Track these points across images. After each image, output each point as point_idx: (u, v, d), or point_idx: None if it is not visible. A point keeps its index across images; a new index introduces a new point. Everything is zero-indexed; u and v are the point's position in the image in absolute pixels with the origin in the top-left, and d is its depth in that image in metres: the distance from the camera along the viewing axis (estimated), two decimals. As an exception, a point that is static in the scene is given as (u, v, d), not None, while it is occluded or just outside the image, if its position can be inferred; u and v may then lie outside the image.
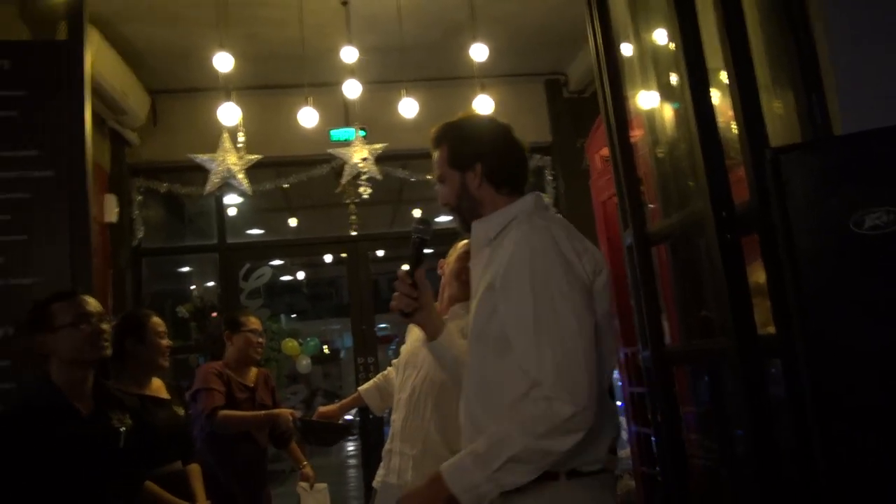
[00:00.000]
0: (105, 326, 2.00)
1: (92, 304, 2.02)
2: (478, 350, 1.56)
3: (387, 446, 2.36)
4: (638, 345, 2.33)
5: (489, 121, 1.77)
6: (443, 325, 1.72)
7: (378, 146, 4.13)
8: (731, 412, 2.15)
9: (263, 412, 2.93)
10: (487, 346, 1.52)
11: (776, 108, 2.23)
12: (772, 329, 1.71)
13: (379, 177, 4.15)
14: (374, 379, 2.73)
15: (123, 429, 2.02)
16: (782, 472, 1.63)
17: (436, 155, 1.70)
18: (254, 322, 3.15)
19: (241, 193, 4.53)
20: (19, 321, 2.05)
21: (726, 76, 1.82)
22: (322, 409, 2.71)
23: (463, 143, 1.66)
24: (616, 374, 3.79)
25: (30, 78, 2.56)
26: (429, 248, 1.67)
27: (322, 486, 3.23)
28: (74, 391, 1.96)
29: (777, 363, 1.70)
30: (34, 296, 2.38)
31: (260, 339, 3.13)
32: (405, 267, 1.69)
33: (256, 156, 3.80)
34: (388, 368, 2.67)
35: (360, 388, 2.71)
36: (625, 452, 4.35)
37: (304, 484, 3.12)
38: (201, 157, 3.79)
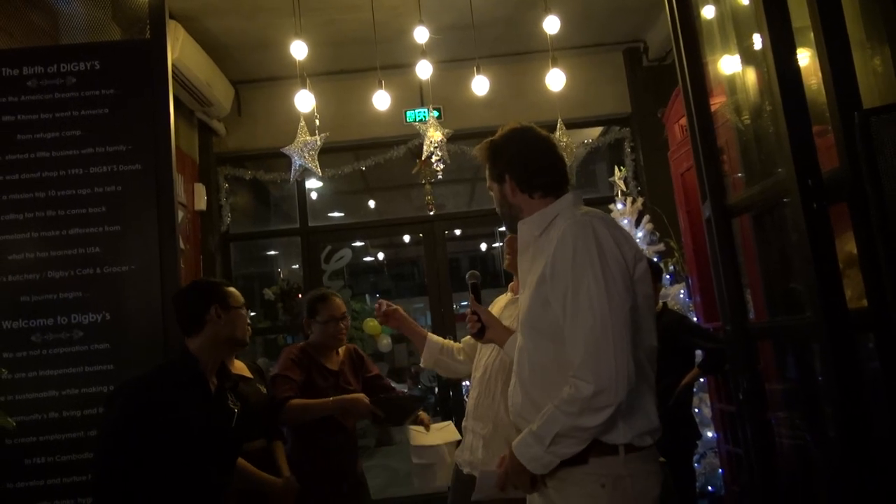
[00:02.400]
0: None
1: None
2: (532, 338, 1.72)
3: (464, 423, 2.41)
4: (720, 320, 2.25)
5: (518, 133, 1.88)
6: (508, 333, 2.00)
7: (447, 131, 4.12)
8: (820, 389, 2.04)
9: (332, 399, 2.77)
10: (543, 333, 1.69)
11: (875, 66, 2.08)
12: (864, 302, 1.61)
13: (447, 161, 4.13)
14: (446, 341, 2.68)
15: (235, 410, 2.13)
16: (875, 452, 1.54)
17: (486, 170, 1.93)
18: (333, 308, 2.94)
19: (319, 177, 4.64)
20: (193, 287, 2.19)
21: (813, 34, 1.70)
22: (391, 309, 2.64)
23: (494, 159, 1.88)
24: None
25: (118, 76, 2.69)
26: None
27: (445, 423, 2.97)
28: (208, 369, 2.08)
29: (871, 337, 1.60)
30: (127, 283, 2.56)
31: (341, 325, 2.92)
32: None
33: (322, 134, 3.79)
34: (458, 344, 2.65)
35: (429, 336, 2.65)
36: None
37: (417, 427, 2.90)
38: (285, 149, 3.86)
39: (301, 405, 2.72)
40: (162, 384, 1.99)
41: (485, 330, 2.03)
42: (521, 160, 1.82)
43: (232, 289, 2.19)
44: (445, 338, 2.75)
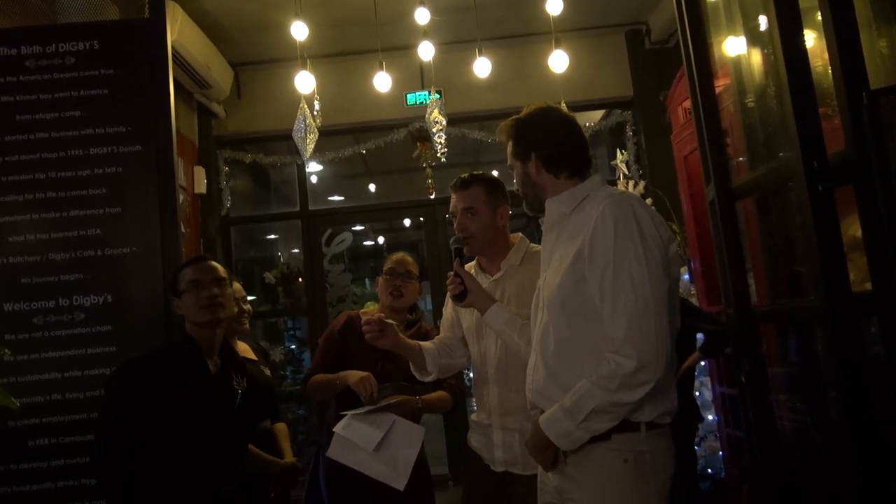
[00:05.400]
0: (217, 291, 2.07)
1: (206, 269, 2.12)
2: (563, 315, 1.71)
3: (483, 419, 2.25)
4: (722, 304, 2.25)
5: (545, 113, 1.88)
6: (491, 301, 2.05)
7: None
8: (824, 372, 2.04)
9: (336, 376, 2.53)
10: (575, 311, 1.69)
11: (881, 48, 2.06)
12: (868, 286, 1.60)
13: (444, 148, 4.08)
14: (434, 343, 2.39)
15: (240, 391, 2.13)
16: (878, 435, 1.54)
17: (508, 146, 1.92)
18: (391, 262, 2.69)
19: (319, 161, 4.60)
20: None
21: (820, 13, 1.68)
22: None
23: (520, 136, 1.86)
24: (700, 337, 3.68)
25: (117, 56, 2.67)
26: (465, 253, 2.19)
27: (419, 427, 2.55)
28: (206, 349, 2.08)
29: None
30: (129, 265, 2.55)
31: (398, 282, 2.65)
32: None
33: (317, 106, 3.68)
34: (441, 337, 2.42)
35: (422, 346, 2.33)
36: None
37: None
38: (297, 129, 3.77)
39: (315, 383, 2.59)
40: (161, 364, 2.01)
41: (466, 294, 2.04)
42: (548, 139, 1.82)
43: (187, 269, 2.11)
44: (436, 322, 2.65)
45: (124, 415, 1.92)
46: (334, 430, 2.45)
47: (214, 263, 2.15)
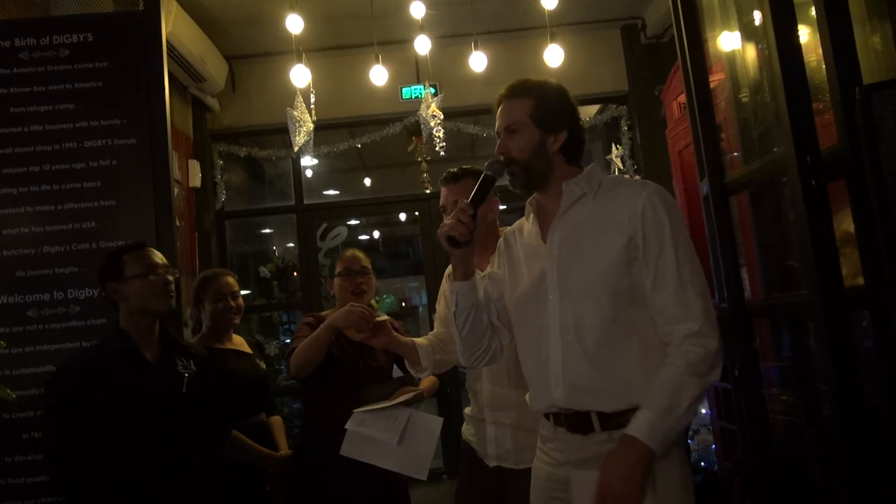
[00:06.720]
0: (171, 278, 2.04)
1: (158, 256, 2.09)
2: (611, 302, 1.57)
3: (476, 414, 2.25)
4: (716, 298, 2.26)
5: (567, 92, 1.74)
6: (474, 270, 1.70)
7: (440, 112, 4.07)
8: (816, 366, 2.06)
9: (321, 328, 2.37)
10: (622, 297, 1.57)
11: (874, 44, 2.07)
12: (860, 280, 1.62)
13: (443, 142, 4.09)
14: (428, 339, 2.33)
15: (187, 374, 2.07)
16: (869, 428, 1.56)
17: (513, 104, 1.68)
18: (347, 261, 2.62)
19: (314, 155, 4.59)
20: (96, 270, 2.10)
21: (814, 9, 1.69)
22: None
23: (554, 105, 1.67)
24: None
25: (111, 49, 2.67)
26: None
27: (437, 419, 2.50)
28: (142, 339, 2.05)
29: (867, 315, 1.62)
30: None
31: (358, 280, 2.57)
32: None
33: (299, 99, 3.65)
34: (436, 332, 2.38)
35: (416, 342, 2.27)
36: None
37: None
38: (289, 123, 3.75)
39: (299, 350, 2.39)
40: (95, 362, 1.99)
41: (464, 244, 1.61)
42: (577, 122, 1.70)
43: (127, 255, 2.04)
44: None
45: (65, 413, 1.92)
46: (346, 427, 2.39)
47: (159, 253, 2.12)
